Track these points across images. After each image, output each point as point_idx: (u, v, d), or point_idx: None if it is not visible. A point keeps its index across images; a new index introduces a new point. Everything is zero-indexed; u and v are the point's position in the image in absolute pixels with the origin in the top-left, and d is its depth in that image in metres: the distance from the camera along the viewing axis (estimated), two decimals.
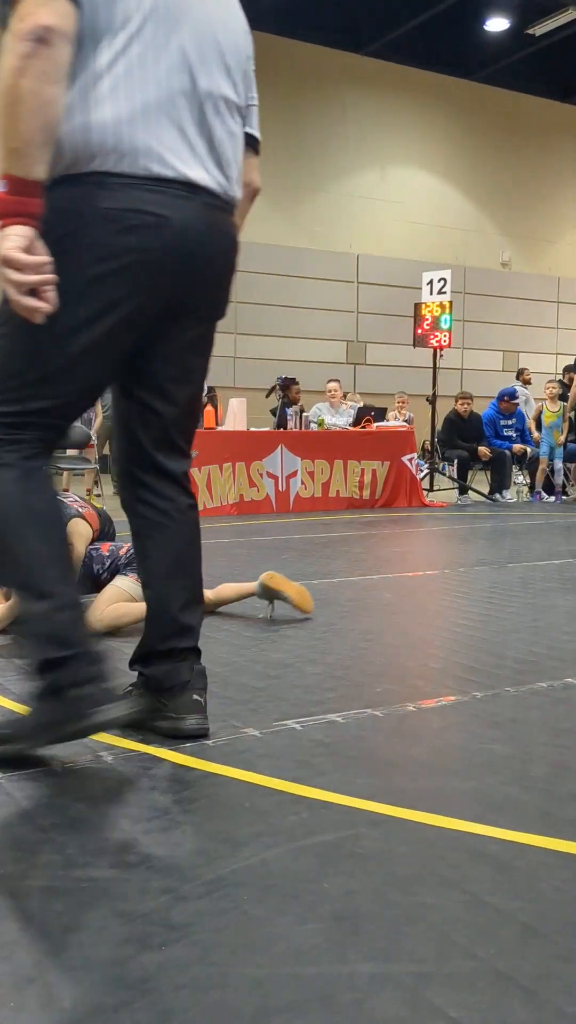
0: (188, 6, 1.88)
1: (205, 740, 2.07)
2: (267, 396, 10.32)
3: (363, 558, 5.18)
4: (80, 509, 3.33)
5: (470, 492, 9.72)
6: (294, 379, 9.99)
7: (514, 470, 10.14)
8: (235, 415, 8.20)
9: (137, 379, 2.05)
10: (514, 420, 10.24)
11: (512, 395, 10.30)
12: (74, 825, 1.64)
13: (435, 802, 1.74)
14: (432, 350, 10.00)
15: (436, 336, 9.80)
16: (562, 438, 9.63)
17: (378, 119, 17.23)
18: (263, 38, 15.37)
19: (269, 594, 3.43)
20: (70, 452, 9.21)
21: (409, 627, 3.33)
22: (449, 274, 9.84)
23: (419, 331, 9.95)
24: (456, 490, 9.76)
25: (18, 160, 1.68)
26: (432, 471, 9.85)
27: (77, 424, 9.33)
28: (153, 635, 2.11)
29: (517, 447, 9.99)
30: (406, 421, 11.13)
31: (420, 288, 10.05)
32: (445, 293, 9.74)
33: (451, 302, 9.75)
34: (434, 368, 10.14)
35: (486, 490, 9.92)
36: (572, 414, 9.72)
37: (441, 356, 10.18)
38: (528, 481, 10.20)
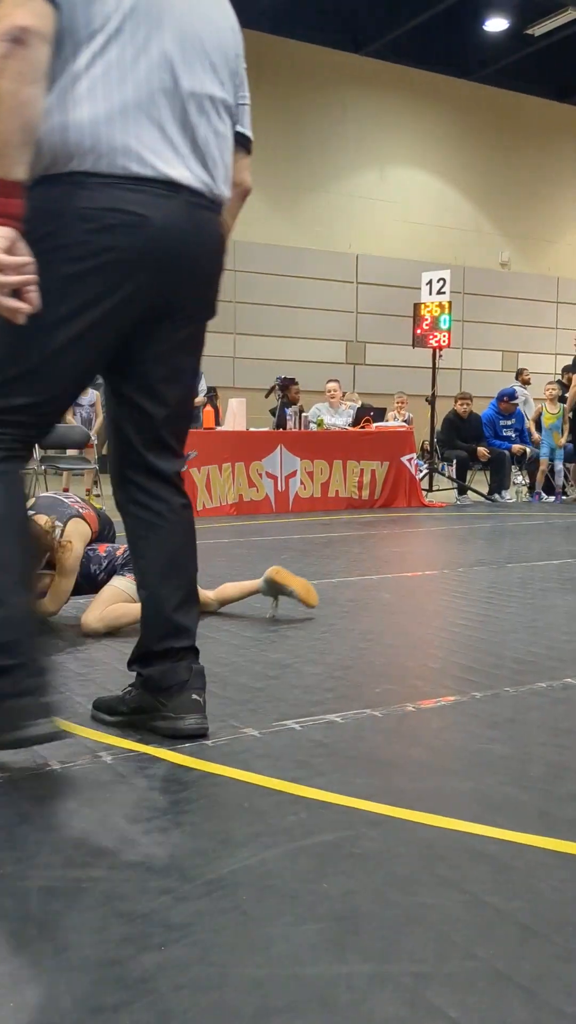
0: (170, 5, 1.88)
1: (204, 740, 2.07)
2: (266, 396, 10.32)
3: (362, 558, 5.18)
4: (80, 510, 3.33)
5: (469, 492, 9.72)
6: (293, 379, 9.99)
7: (513, 470, 10.15)
8: (234, 415, 8.20)
9: (128, 380, 2.05)
10: (513, 420, 10.24)
11: (512, 395, 10.30)
12: (73, 825, 1.64)
13: (434, 802, 1.74)
14: (431, 350, 10.00)
15: (435, 336, 9.81)
16: (563, 440, 9.63)
17: (378, 119, 17.24)
18: (263, 38, 15.40)
19: (275, 589, 3.43)
20: (70, 452, 9.21)
21: (408, 627, 3.33)
22: (448, 274, 9.85)
23: (418, 331, 9.95)
24: (455, 490, 9.76)
25: None
26: (431, 471, 9.86)
27: (77, 424, 9.36)
28: (149, 636, 2.11)
29: (516, 447, 9.99)
30: (405, 421, 11.14)
31: (419, 288, 10.05)
32: (444, 293, 9.74)
33: (450, 302, 9.76)
34: (433, 368, 10.15)
35: (485, 490, 9.93)
36: (571, 414, 9.72)
37: (440, 356, 10.18)
38: (527, 481, 10.21)
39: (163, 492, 2.10)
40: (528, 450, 10.01)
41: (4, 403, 1.88)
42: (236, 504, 7.84)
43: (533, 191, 19.13)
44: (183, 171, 1.90)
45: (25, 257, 1.71)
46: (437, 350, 9.97)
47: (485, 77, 17.88)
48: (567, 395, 9.80)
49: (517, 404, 10.35)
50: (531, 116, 18.80)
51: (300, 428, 8.68)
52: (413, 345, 10.25)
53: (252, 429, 8.56)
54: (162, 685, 2.08)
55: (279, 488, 8.11)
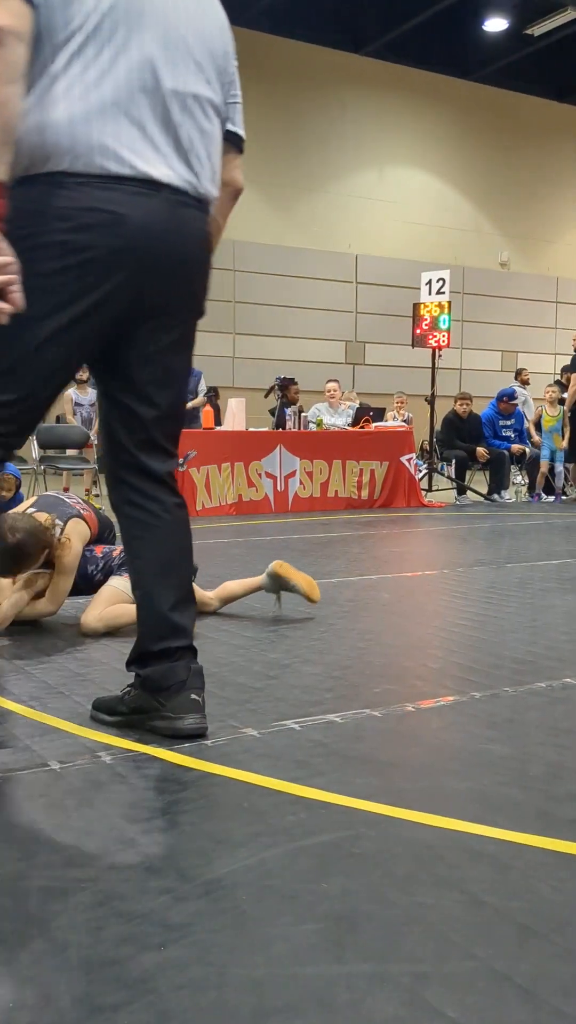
0: (152, 5, 1.88)
1: (203, 740, 2.07)
2: (266, 396, 10.32)
3: (361, 558, 5.18)
4: (82, 511, 3.34)
5: (469, 492, 9.72)
6: (293, 379, 9.99)
7: (512, 470, 10.14)
8: (234, 415, 8.20)
9: (116, 382, 2.06)
10: (513, 420, 10.25)
11: (511, 396, 10.30)
12: (72, 825, 1.64)
13: (433, 802, 1.74)
14: (431, 350, 10.00)
15: (435, 336, 9.81)
16: (564, 444, 9.63)
17: (377, 119, 17.24)
18: (262, 38, 15.40)
19: (279, 583, 3.42)
20: (70, 452, 9.21)
21: (408, 627, 3.33)
22: (448, 274, 9.85)
23: (418, 331, 9.95)
24: (454, 490, 9.77)
25: None
26: (431, 471, 9.86)
27: (77, 424, 9.36)
28: (146, 636, 2.11)
29: (515, 447, 9.99)
30: (405, 421, 11.14)
31: (419, 288, 10.05)
32: (444, 293, 9.74)
33: (449, 302, 9.76)
34: (433, 368, 10.15)
35: (485, 490, 9.93)
36: (571, 414, 9.72)
37: (440, 356, 10.18)
38: (526, 481, 10.21)
39: (157, 492, 2.10)
40: (527, 450, 10.01)
41: None
42: (235, 504, 7.85)
43: (532, 191, 19.14)
44: (164, 169, 1.90)
45: (8, 257, 1.72)
46: (436, 350, 9.97)
47: (484, 77, 17.89)
48: (566, 395, 9.81)
49: (517, 404, 10.36)
50: (530, 116, 18.80)
51: (299, 428, 8.68)
52: (412, 345, 10.25)
53: (251, 429, 8.56)
54: (161, 685, 2.08)
55: (278, 488, 8.11)
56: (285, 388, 9.62)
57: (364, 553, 5.41)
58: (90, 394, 9.65)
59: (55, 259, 1.84)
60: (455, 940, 1.27)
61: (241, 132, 2.16)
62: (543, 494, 9.80)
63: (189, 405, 9.82)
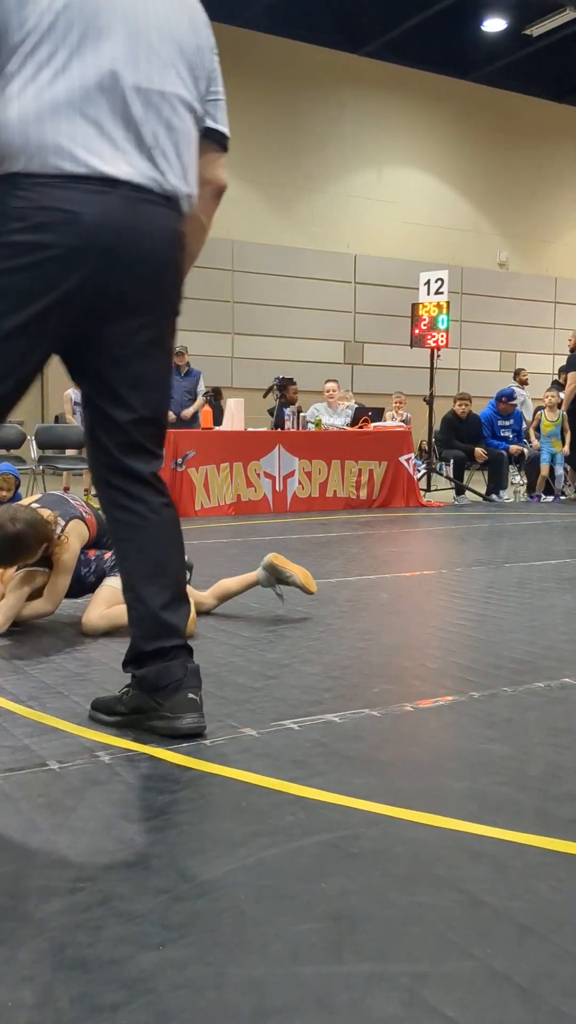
0: (110, 2, 1.87)
1: (202, 739, 2.07)
2: (264, 396, 10.33)
3: (360, 558, 5.18)
4: (84, 513, 3.34)
5: (467, 492, 9.72)
6: (291, 379, 9.99)
7: (511, 471, 10.15)
8: (232, 415, 8.20)
9: (93, 386, 2.05)
10: (511, 421, 10.25)
11: (511, 396, 10.31)
12: (71, 825, 1.64)
13: (432, 802, 1.74)
14: (429, 350, 10.01)
15: (433, 336, 9.81)
16: (565, 449, 9.64)
17: (375, 119, 17.24)
18: (260, 38, 15.41)
19: (275, 574, 3.42)
20: (69, 452, 9.20)
21: (406, 627, 3.33)
22: (446, 274, 9.85)
23: (416, 331, 9.95)
24: (453, 490, 9.77)
25: None
26: (429, 471, 9.86)
27: (76, 424, 9.35)
28: (140, 637, 2.10)
29: (514, 448, 10.00)
30: (403, 421, 11.14)
31: (417, 288, 10.06)
32: (442, 293, 9.74)
33: (448, 302, 9.76)
34: (431, 368, 10.15)
35: (483, 490, 9.93)
36: (568, 412, 9.73)
37: (438, 356, 10.19)
38: (525, 481, 10.21)
39: (142, 493, 2.09)
40: (526, 451, 10.02)
41: None
42: (234, 504, 7.85)
43: (531, 191, 19.15)
44: (123, 167, 1.89)
45: None
46: (435, 350, 9.97)
47: (483, 77, 17.90)
48: (563, 395, 9.81)
49: (516, 405, 10.36)
50: (529, 116, 18.81)
51: (298, 428, 8.68)
52: (411, 345, 10.25)
53: (250, 429, 8.56)
54: (157, 685, 2.08)
55: (277, 488, 8.11)
56: (284, 388, 9.62)
57: (363, 553, 5.41)
58: None
59: (12, 258, 1.84)
60: (454, 940, 1.27)
61: (223, 129, 2.13)
62: (542, 495, 9.81)
63: (191, 410, 9.82)
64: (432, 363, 10.15)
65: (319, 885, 1.42)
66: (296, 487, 8.22)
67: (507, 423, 10.22)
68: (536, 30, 15.92)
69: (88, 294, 1.91)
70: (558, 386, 10.25)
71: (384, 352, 17.20)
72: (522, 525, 7.17)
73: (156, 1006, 1.12)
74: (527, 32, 16.05)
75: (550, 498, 9.72)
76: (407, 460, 8.81)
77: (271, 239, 16.36)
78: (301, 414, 8.90)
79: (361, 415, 9.21)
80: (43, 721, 2.23)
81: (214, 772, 1.89)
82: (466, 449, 9.83)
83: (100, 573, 3.32)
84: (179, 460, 7.49)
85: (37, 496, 3.39)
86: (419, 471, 9.40)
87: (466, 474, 9.95)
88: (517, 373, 12.81)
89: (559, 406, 9.74)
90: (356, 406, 10.04)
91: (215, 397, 11.46)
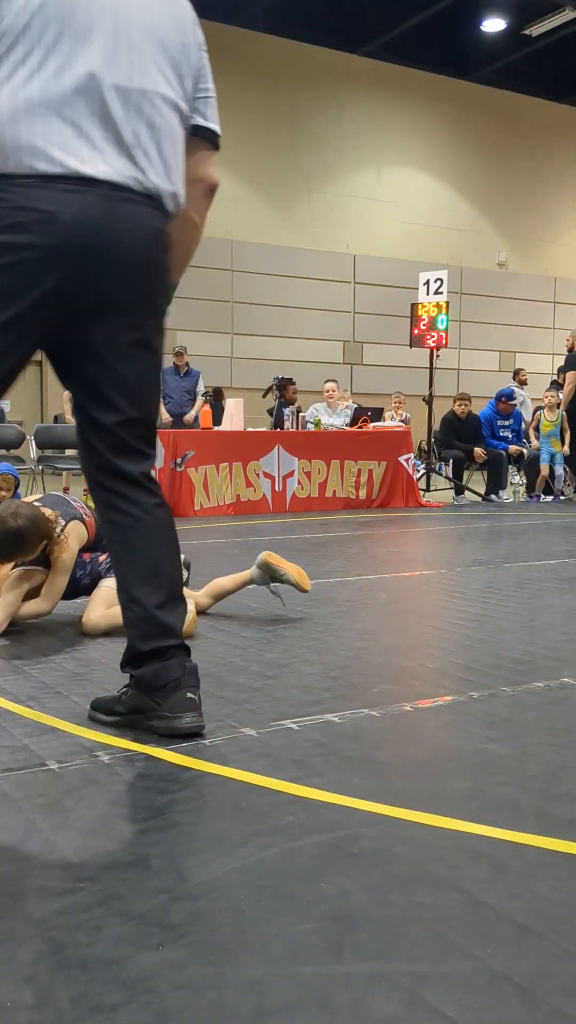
0: (88, 2, 1.87)
1: (201, 739, 2.07)
2: (264, 396, 10.33)
3: (360, 558, 5.18)
4: (84, 515, 3.35)
5: (467, 492, 9.72)
6: (291, 379, 9.99)
7: (511, 471, 10.15)
8: (232, 415, 8.21)
9: (80, 388, 2.05)
10: (511, 421, 10.25)
11: (510, 396, 10.31)
12: (70, 825, 1.64)
13: (432, 802, 1.74)
14: (429, 350, 10.01)
15: (433, 336, 9.81)
16: (564, 449, 9.64)
17: (375, 119, 17.25)
18: (260, 38, 15.41)
19: (269, 572, 3.42)
20: (68, 452, 9.20)
21: (406, 627, 3.33)
22: (446, 274, 9.86)
23: (416, 331, 9.95)
24: (452, 490, 9.77)
25: None
26: (429, 471, 9.86)
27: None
28: (136, 637, 2.10)
29: (513, 448, 10.00)
30: (403, 421, 11.14)
31: (417, 288, 10.06)
32: (442, 293, 9.74)
33: (447, 302, 9.76)
34: (431, 368, 10.15)
35: (483, 490, 9.93)
36: (567, 412, 9.73)
37: (438, 356, 10.19)
38: (524, 481, 10.21)
39: (134, 494, 2.09)
40: (525, 451, 10.02)
41: None
42: (233, 504, 7.84)
43: (530, 191, 19.17)
44: (100, 166, 1.88)
45: None
46: (434, 350, 9.98)
47: (482, 77, 17.92)
48: (562, 394, 9.82)
49: (515, 405, 10.36)
50: (528, 116, 18.83)
51: (297, 428, 8.68)
52: (410, 345, 10.25)
53: (249, 429, 8.56)
54: (155, 684, 2.08)
55: (276, 488, 8.11)
56: (283, 388, 9.62)
57: (362, 553, 5.41)
58: None
59: None
60: (454, 940, 1.27)
61: (214, 127, 2.12)
62: (542, 495, 9.81)
63: (192, 413, 9.82)
64: (431, 363, 10.15)
65: (319, 885, 1.42)
66: (295, 487, 8.22)
67: (506, 423, 10.22)
68: (535, 30, 15.93)
69: (67, 294, 1.91)
70: (557, 386, 10.25)
71: (383, 352, 17.21)
72: (521, 525, 7.17)
73: (156, 1006, 1.12)
74: (526, 32, 16.07)
75: (549, 498, 9.72)
76: (406, 460, 8.81)
77: (271, 239, 16.36)
78: (300, 414, 8.90)
79: (360, 415, 9.21)
80: (42, 721, 2.23)
81: (213, 772, 1.89)
82: (465, 449, 9.83)
83: (95, 576, 3.32)
84: (178, 460, 7.49)
85: (37, 496, 3.39)
86: (418, 471, 9.40)
87: (465, 474, 9.95)
88: (516, 373, 12.81)
89: (558, 406, 9.74)
90: (355, 406, 10.04)
91: (216, 397, 11.46)
